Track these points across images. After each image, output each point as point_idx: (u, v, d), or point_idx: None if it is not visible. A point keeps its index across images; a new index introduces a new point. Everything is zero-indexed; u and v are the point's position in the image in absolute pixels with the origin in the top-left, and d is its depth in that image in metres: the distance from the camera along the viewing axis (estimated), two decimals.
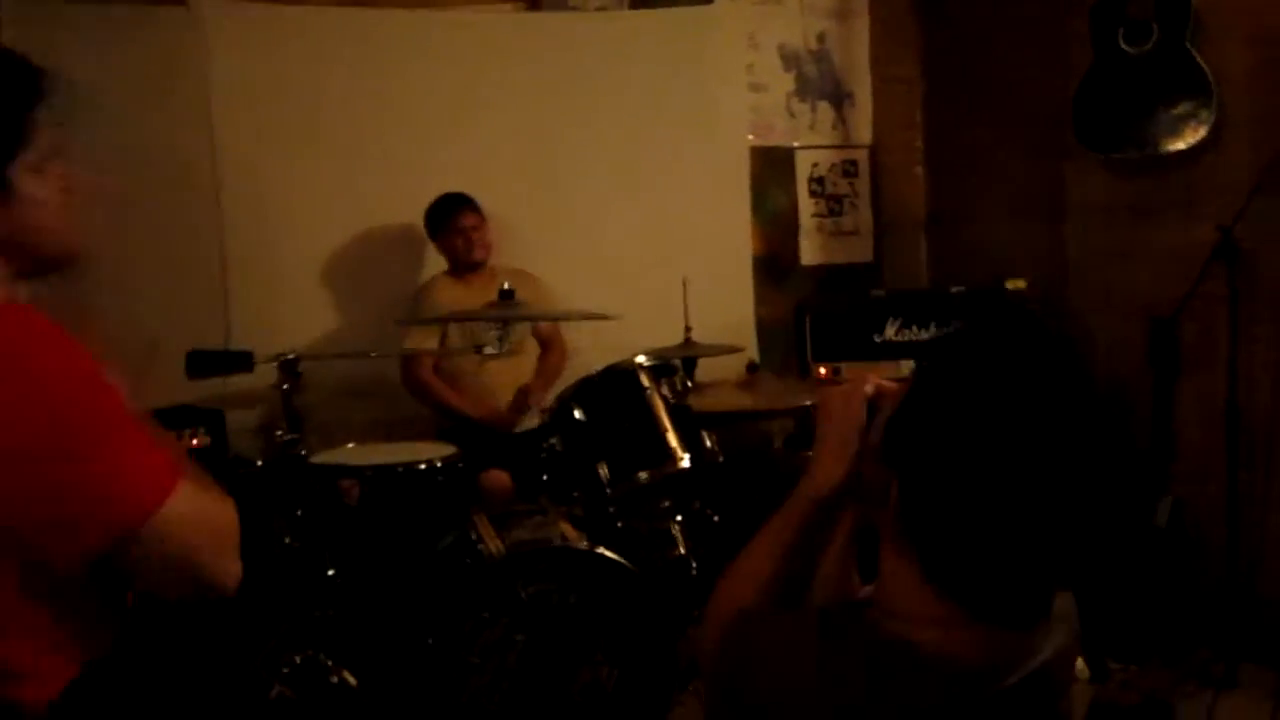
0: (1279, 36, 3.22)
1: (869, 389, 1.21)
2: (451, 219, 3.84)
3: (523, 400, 3.75)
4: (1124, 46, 3.61)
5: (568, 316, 3.95)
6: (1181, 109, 3.51)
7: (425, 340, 3.83)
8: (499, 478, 3.48)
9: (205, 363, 2.62)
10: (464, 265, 3.85)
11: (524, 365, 3.89)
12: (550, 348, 4.01)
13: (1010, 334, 1.08)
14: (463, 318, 3.69)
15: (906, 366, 3.94)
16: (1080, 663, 3.20)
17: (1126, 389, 3.70)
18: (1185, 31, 3.47)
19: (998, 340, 1.08)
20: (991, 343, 1.09)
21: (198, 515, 1.24)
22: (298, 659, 2.66)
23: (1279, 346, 3.29)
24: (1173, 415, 3.56)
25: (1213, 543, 3.37)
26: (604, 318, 3.23)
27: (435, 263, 3.97)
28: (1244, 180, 3.24)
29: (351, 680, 2.65)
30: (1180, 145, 3.53)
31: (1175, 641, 3.26)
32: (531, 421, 3.70)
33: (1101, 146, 3.78)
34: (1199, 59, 3.44)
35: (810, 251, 4.68)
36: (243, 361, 2.56)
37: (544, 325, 3.96)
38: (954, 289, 4.09)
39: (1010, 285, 3.98)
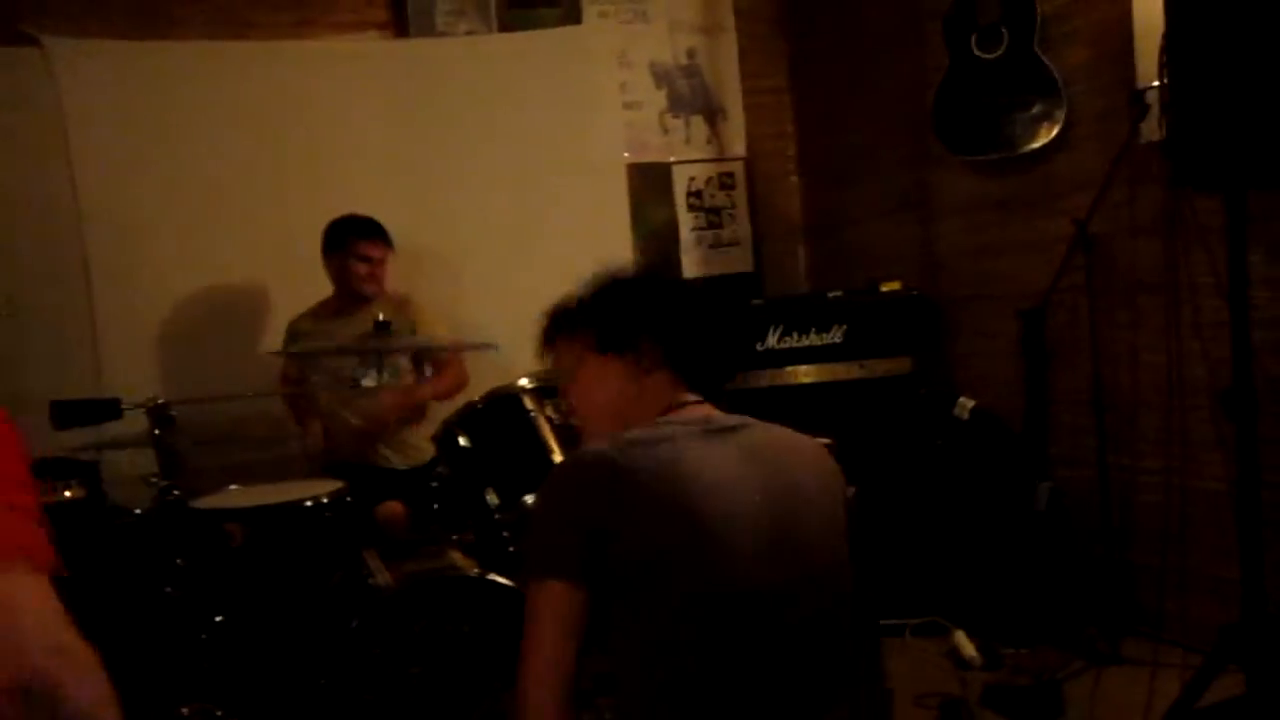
0: (1114, 33, 3.37)
1: None
2: (354, 243, 3.65)
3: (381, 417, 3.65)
4: (977, 52, 3.75)
5: (445, 347, 3.83)
6: (1035, 110, 3.65)
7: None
8: (394, 509, 3.42)
9: (71, 413, 2.53)
10: (350, 294, 3.70)
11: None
12: (444, 371, 3.82)
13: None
14: (335, 350, 3.57)
15: (792, 373, 4.02)
16: (972, 649, 3.29)
17: (1001, 380, 3.83)
18: (1033, 35, 3.61)
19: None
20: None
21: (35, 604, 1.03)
22: (186, 711, 2.58)
23: (1135, 331, 3.43)
24: (1047, 402, 3.69)
25: (1090, 523, 3.50)
26: (483, 347, 3.20)
27: (309, 295, 3.86)
28: (1096, 174, 3.39)
29: None
30: (1036, 144, 3.67)
31: (1062, 622, 3.37)
32: (421, 456, 3.63)
33: (963, 149, 3.91)
34: (1046, 61, 3.59)
35: (692, 265, 4.73)
36: (109, 410, 2.48)
37: (436, 352, 3.87)
38: (831, 294, 4.18)
39: (885, 287, 4.09)
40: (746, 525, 1.41)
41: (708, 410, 1.58)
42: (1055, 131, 3.60)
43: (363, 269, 3.65)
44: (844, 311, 4.06)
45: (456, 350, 3.79)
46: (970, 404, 3.68)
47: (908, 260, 4.26)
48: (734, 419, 1.55)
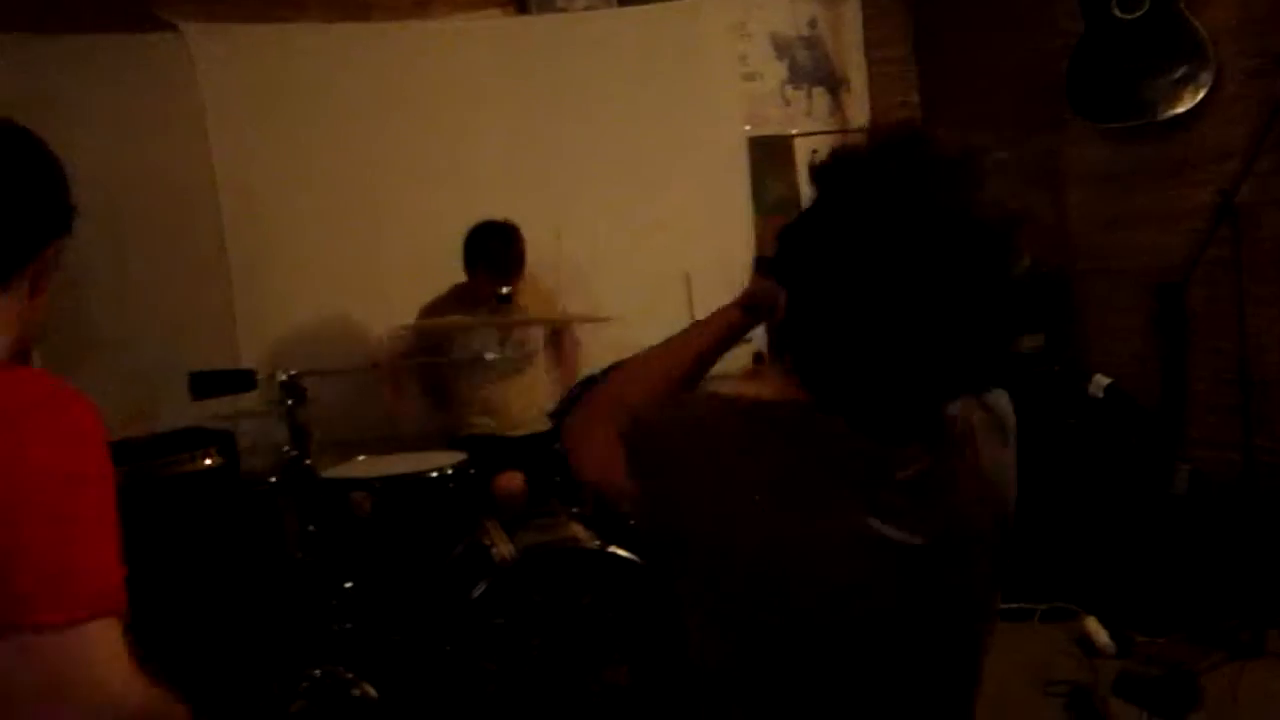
0: None
1: None
2: (487, 270, 3.57)
3: None
4: (1116, 13, 3.58)
5: (564, 320, 3.90)
6: (1178, 73, 3.48)
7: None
8: (512, 480, 3.47)
9: (208, 383, 2.63)
10: (481, 298, 3.62)
11: (532, 379, 3.84)
12: (560, 343, 3.92)
13: (904, 155, 1.06)
14: (457, 325, 3.63)
15: None
16: (1104, 636, 3.18)
17: (1134, 357, 3.67)
18: None
19: (891, 161, 1.07)
20: (884, 164, 1.07)
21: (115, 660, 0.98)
22: (317, 673, 2.67)
23: None
24: (1185, 381, 3.53)
25: (1231, 508, 3.34)
26: (599, 320, 3.22)
27: (437, 273, 3.93)
28: (1243, 140, 3.21)
29: (371, 692, 2.66)
30: (1177, 110, 3.50)
31: (1202, 612, 3.23)
32: (540, 425, 3.69)
33: (1098, 116, 3.75)
34: (1193, 20, 3.41)
35: None
36: (245, 380, 2.58)
37: (559, 325, 3.92)
38: None
39: None
40: None
41: None
42: (1200, 96, 3.43)
43: (495, 286, 3.52)
44: None
45: (571, 323, 3.83)
46: (1105, 381, 3.54)
47: (1037, 233, 4.10)
48: None
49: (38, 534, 0.96)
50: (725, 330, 1.34)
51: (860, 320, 1.03)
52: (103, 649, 0.96)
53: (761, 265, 1.29)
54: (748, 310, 1.32)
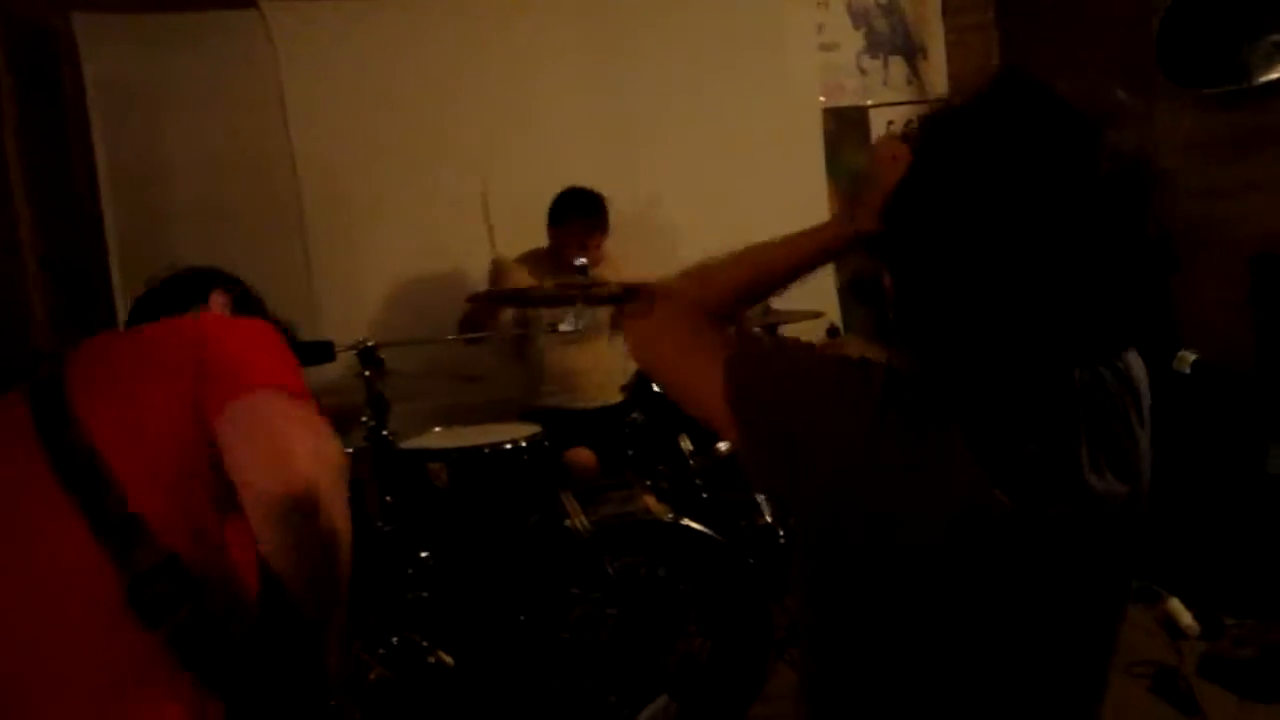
0: None
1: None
2: (570, 224, 3.71)
3: None
4: None
5: (632, 289, 3.88)
6: (1275, 36, 3.34)
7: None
8: (584, 455, 3.49)
9: None
10: (560, 263, 3.69)
11: (603, 346, 3.86)
12: None
13: (1014, 110, 0.97)
14: (529, 301, 3.65)
15: None
16: (1188, 617, 3.09)
17: (1226, 332, 3.55)
18: None
19: (999, 117, 0.98)
20: (992, 120, 0.98)
21: (308, 423, 1.34)
22: (394, 641, 2.71)
23: None
24: None
25: None
26: None
27: (514, 245, 3.96)
28: None
29: (448, 660, 2.69)
30: (1275, 75, 3.36)
31: None
32: (613, 397, 3.69)
33: (1190, 81, 3.62)
34: None
35: None
36: (324, 352, 2.60)
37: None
38: None
39: None
40: None
41: None
42: None
43: (582, 251, 3.59)
44: None
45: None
46: (1191, 357, 3.42)
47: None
48: None
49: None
50: (823, 250, 1.24)
51: (985, 289, 0.96)
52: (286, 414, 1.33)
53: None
54: (853, 240, 1.21)
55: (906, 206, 1.02)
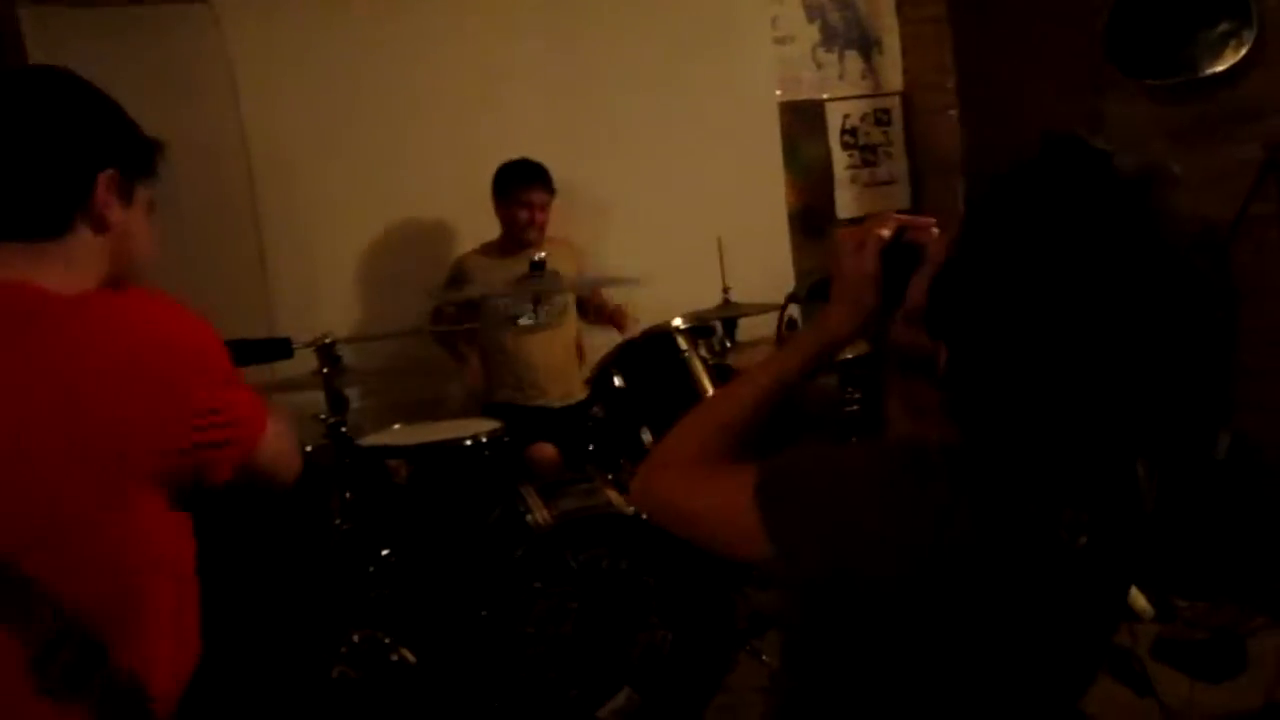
0: None
1: (885, 233, 1.08)
2: (518, 190, 3.72)
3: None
4: None
5: (596, 284, 3.91)
6: (1221, 28, 3.40)
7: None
8: (545, 450, 3.48)
9: (243, 352, 2.61)
10: (514, 241, 3.74)
11: (562, 339, 3.86)
12: (590, 304, 3.97)
13: (1068, 176, 0.90)
14: (489, 294, 3.66)
15: None
16: (1142, 600, 3.15)
17: None
18: None
19: (1053, 184, 0.90)
20: (1047, 187, 0.91)
21: (281, 432, 1.42)
22: (356, 638, 2.70)
23: None
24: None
25: (1277, 472, 3.29)
26: (630, 283, 3.21)
27: (471, 239, 3.95)
28: None
29: (410, 657, 2.68)
30: (1221, 66, 3.42)
31: (1246, 577, 3.19)
32: (576, 391, 3.69)
33: (1139, 73, 3.68)
34: None
35: (846, 204, 4.61)
36: (280, 348, 2.56)
37: (590, 292, 3.93)
38: None
39: None
40: None
41: None
42: (1243, 52, 3.35)
43: (524, 215, 3.70)
44: None
45: (599, 287, 3.83)
46: None
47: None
48: None
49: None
50: (799, 369, 1.16)
51: (1051, 372, 0.88)
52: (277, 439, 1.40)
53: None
54: (830, 352, 1.14)
55: (962, 280, 0.95)
